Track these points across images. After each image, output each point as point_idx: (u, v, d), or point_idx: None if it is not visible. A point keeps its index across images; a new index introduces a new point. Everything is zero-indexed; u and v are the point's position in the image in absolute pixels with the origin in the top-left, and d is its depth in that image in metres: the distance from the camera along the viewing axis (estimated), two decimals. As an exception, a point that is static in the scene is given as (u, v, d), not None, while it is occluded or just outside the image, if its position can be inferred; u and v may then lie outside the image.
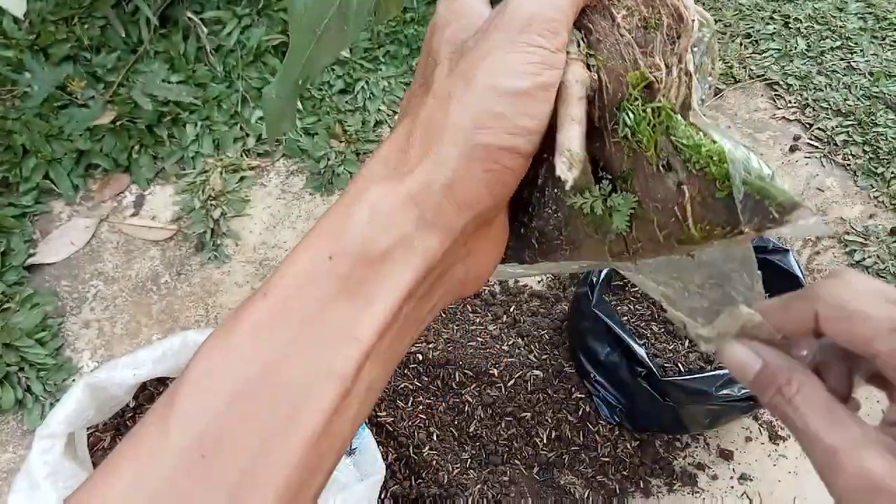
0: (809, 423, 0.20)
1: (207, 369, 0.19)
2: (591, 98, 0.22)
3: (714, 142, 0.20)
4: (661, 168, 0.21)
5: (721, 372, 0.70)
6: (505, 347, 0.87)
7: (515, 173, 0.21)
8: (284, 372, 0.19)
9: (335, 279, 0.19)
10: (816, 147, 1.15)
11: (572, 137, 0.20)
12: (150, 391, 0.77)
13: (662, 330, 0.82)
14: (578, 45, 0.22)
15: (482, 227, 0.22)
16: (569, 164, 0.20)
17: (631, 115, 0.21)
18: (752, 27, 1.31)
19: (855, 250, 1.01)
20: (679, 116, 0.21)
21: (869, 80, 1.22)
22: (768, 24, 1.31)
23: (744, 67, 1.24)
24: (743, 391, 0.70)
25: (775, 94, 1.22)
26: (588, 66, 0.22)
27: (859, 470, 0.18)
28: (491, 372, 0.85)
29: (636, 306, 0.88)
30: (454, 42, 0.22)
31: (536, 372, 0.86)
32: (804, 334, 0.22)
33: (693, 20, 0.22)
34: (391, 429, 0.81)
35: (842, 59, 1.25)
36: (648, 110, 0.21)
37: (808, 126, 1.18)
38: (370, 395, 0.21)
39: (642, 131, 0.21)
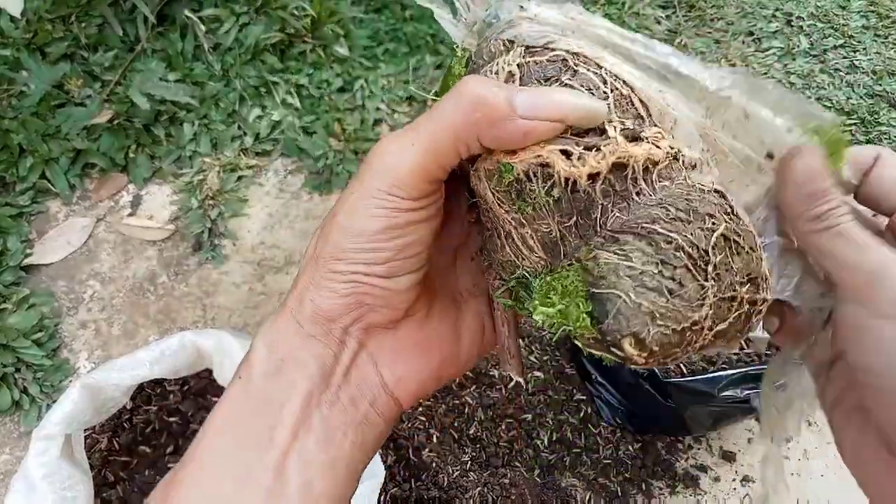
0: (860, 240, 0.21)
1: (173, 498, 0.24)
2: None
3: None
4: None
5: (723, 373, 0.69)
6: (505, 348, 0.87)
7: (379, 290, 0.24)
8: (224, 483, 0.23)
9: (248, 399, 0.24)
10: (819, 146, 1.14)
11: (510, 349, 0.26)
12: (147, 392, 0.76)
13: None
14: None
15: (379, 333, 0.25)
16: (517, 371, 0.25)
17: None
18: (754, 25, 1.30)
19: (858, 250, 1.01)
20: None
21: (872, 78, 1.21)
22: (771, 22, 1.31)
23: (746, 66, 1.24)
24: (745, 392, 0.69)
25: (777, 93, 1.21)
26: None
27: None
28: (491, 373, 0.84)
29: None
30: None
31: (537, 373, 0.85)
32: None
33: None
34: (391, 431, 0.80)
35: (845, 58, 1.25)
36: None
37: (810, 125, 1.17)
38: (311, 496, 0.23)
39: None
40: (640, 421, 0.81)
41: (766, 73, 1.23)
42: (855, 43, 1.27)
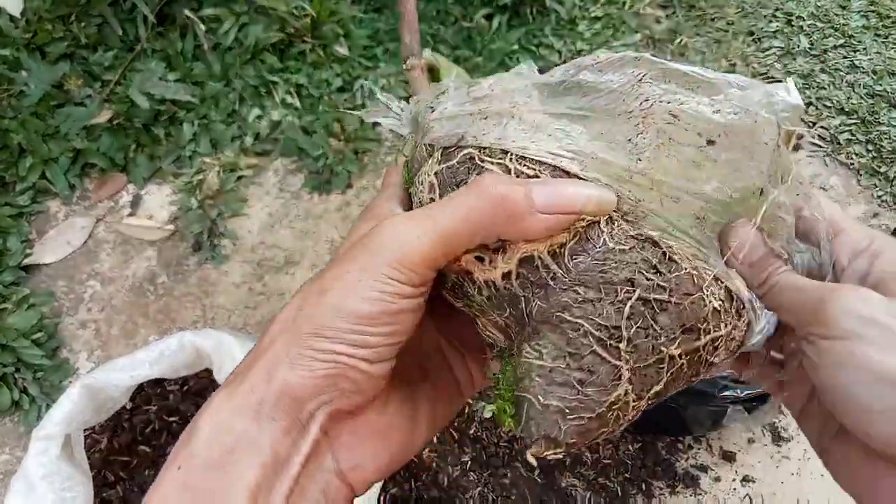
0: (798, 284, 0.23)
1: None
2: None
3: None
4: None
5: (723, 373, 0.69)
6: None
7: (359, 375, 0.22)
8: None
9: (186, 494, 0.21)
10: (819, 146, 1.14)
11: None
12: (146, 393, 0.76)
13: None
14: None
15: (344, 419, 0.24)
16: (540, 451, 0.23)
17: None
18: (754, 25, 1.30)
19: (858, 250, 1.00)
20: None
21: (872, 78, 1.21)
22: (771, 21, 1.30)
23: (746, 65, 1.24)
24: (746, 392, 0.69)
25: (778, 93, 1.21)
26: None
27: (845, 302, 0.21)
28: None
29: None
30: None
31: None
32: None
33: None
34: (390, 430, 0.80)
35: (845, 58, 1.24)
36: None
37: (811, 125, 1.17)
38: None
39: None
40: (640, 421, 0.80)
41: (766, 73, 1.23)
42: (855, 43, 1.27)
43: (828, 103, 1.18)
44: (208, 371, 0.74)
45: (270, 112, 1.09)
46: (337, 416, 0.23)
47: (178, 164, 1.05)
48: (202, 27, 1.09)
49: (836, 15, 1.31)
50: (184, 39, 1.10)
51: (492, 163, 0.24)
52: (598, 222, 0.23)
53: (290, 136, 1.08)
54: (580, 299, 0.22)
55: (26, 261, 0.94)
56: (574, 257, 0.23)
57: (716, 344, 0.23)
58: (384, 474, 0.26)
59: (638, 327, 0.22)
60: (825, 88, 1.20)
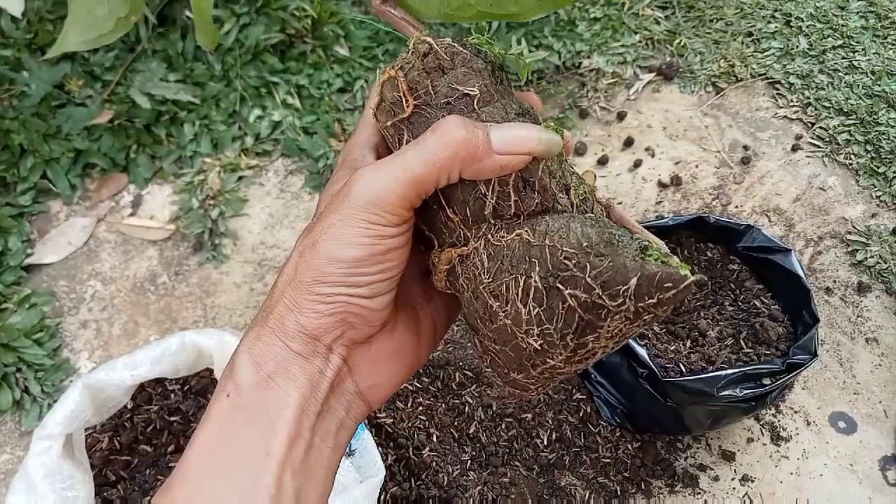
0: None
1: None
2: None
3: None
4: None
5: (723, 372, 0.69)
6: (505, 348, 0.87)
7: (361, 309, 0.26)
8: (227, 495, 0.23)
9: (239, 411, 0.24)
10: (818, 146, 1.14)
11: None
12: (148, 392, 0.76)
13: (663, 330, 0.81)
14: None
15: (359, 347, 0.27)
16: None
17: None
18: (753, 26, 1.30)
19: (857, 250, 1.01)
20: None
21: (871, 78, 1.21)
22: (770, 22, 1.31)
23: (745, 66, 1.24)
24: (745, 392, 0.70)
25: (777, 93, 1.22)
26: None
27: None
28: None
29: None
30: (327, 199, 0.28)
31: (537, 372, 0.85)
32: None
33: None
34: (391, 430, 0.80)
35: (843, 58, 1.25)
36: None
37: (809, 125, 1.17)
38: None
39: None
40: (639, 420, 0.81)
41: (765, 74, 1.24)
42: (854, 43, 1.27)
43: (826, 104, 1.19)
44: (209, 370, 0.74)
45: (271, 112, 1.10)
46: (352, 346, 0.27)
47: (179, 164, 1.05)
48: (203, 28, 1.09)
49: (835, 16, 1.31)
50: (184, 40, 1.11)
51: None
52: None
53: (290, 136, 1.08)
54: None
55: (27, 261, 0.94)
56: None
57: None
58: (397, 388, 0.30)
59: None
60: (824, 89, 1.21)
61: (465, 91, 0.27)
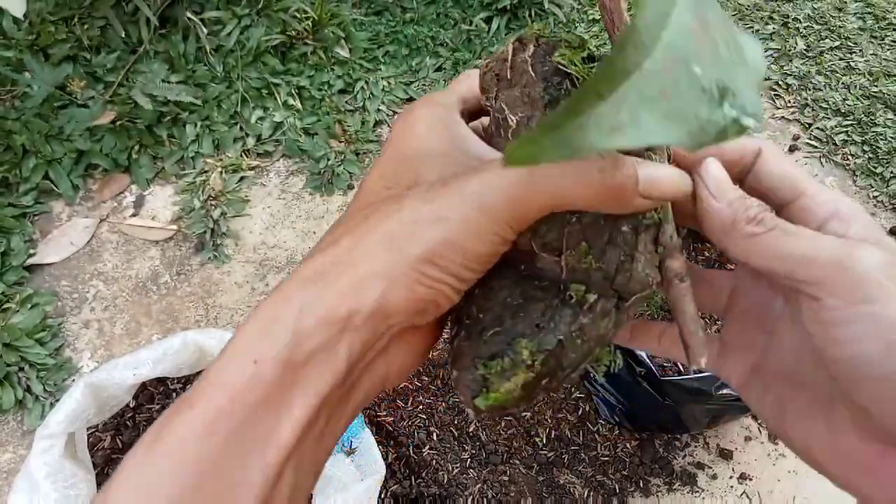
0: (807, 233, 0.22)
1: (134, 485, 0.20)
2: None
3: None
4: None
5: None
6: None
7: (447, 304, 0.23)
8: (207, 486, 0.20)
9: (260, 386, 0.21)
10: (816, 147, 1.15)
11: (694, 335, 0.24)
12: (149, 391, 0.77)
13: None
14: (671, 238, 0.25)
15: (408, 329, 0.24)
16: (700, 355, 0.23)
17: None
18: (751, 27, 1.31)
19: (854, 250, 1.01)
20: None
21: (868, 79, 1.22)
22: (767, 23, 1.31)
23: (743, 67, 1.25)
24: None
25: (775, 94, 1.22)
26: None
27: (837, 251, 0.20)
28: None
29: (636, 306, 0.88)
30: (441, 170, 0.25)
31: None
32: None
33: None
34: (391, 428, 0.81)
35: (841, 59, 1.25)
36: None
37: (807, 126, 1.18)
38: (296, 496, 0.22)
39: None
40: (637, 419, 0.81)
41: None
42: (851, 45, 1.28)
43: (824, 105, 1.19)
44: (211, 369, 0.74)
45: (272, 113, 1.10)
46: (402, 331, 0.24)
47: (181, 164, 1.06)
48: (204, 30, 1.10)
49: (833, 17, 1.32)
50: (186, 42, 1.11)
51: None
52: None
53: (291, 137, 1.09)
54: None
55: (30, 261, 0.95)
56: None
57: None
58: (407, 377, 0.27)
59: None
60: (821, 90, 1.21)
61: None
